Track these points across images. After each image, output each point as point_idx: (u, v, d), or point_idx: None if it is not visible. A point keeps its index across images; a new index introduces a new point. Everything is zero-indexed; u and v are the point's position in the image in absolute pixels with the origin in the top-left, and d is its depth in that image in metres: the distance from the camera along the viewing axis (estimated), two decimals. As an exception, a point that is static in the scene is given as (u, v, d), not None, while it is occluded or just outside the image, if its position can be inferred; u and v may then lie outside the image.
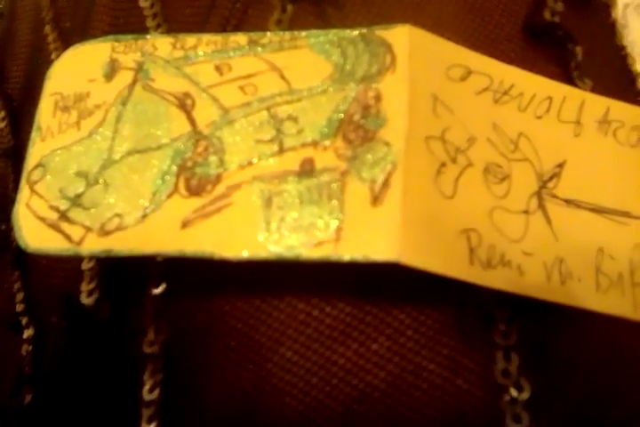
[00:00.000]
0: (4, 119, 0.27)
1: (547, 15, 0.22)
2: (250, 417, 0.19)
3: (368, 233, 0.17)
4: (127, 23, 0.24)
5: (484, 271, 0.18)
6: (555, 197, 0.20)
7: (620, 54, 0.25)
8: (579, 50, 0.22)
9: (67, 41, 0.26)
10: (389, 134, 0.18)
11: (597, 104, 0.21)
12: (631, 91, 0.25)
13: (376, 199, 0.17)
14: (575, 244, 0.19)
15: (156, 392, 0.20)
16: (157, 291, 0.20)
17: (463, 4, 0.22)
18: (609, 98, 0.21)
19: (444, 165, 0.18)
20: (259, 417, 0.19)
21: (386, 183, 0.18)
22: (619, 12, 0.26)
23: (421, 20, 0.20)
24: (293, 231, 0.18)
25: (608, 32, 0.25)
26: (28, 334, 0.23)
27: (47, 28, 0.27)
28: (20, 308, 0.23)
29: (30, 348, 0.23)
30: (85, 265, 0.21)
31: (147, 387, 0.20)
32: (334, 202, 0.18)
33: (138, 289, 0.20)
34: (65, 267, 0.22)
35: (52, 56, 0.26)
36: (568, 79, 0.22)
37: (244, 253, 0.18)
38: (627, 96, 0.22)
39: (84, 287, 0.20)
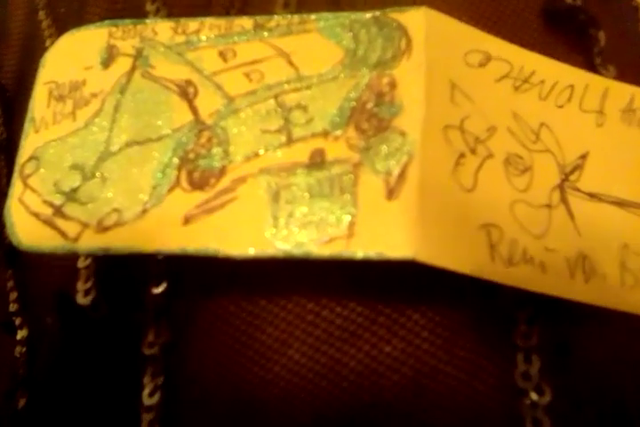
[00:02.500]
0: (-4, 110, 0.26)
1: (568, -2, 0.21)
2: (256, 421, 0.18)
3: (382, 229, 0.16)
4: (125, 8, 0.23)
5: (505, 269, 0.17)
6: (577, 190, 0.19)
7: None
8: (601, 35, 0.21)
9: (62, 27, 0.25)
10: (405, 123, 0.17)
11: (621, 92, 0.20)
12: None
13: (391, 193, 0.16)
14: (599, 239, 0.18)
15: (157, 396, 0.19)
16: (158, 290, 0.19)
17: (479, -13, 0.21)
18: (633, 85, 0.20)
19: (462, 155, 0.17)
20: (265, 421, 0.18)
21: (401, 175, 0.16)
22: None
23: (436, 3, 0.19)
24: (303, 227, 0.17)
25: (631, 17, 0.24)
26: (21, 334, 0.22)
27: (41, 14, 0.26)
28: (13, 307, 0.22)
29: (24, 349, 0.22)
30: (81, 263, 0.20)
31: (147, 391, 0.19)
32: (346, 196, 0.17)
33: (137, 288, 0.19)
34: (60, 264, 0.21)
35: (47, 43, 0.25)
36: (590, 66, 0.21)
37: (251, 251, 0.17)
38: None
39: (81, 287, 0.19)
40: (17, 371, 0.22)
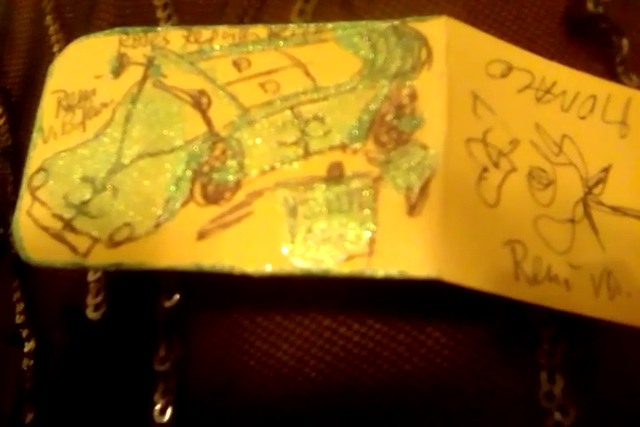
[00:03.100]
0: (1, 116, 0.26)
1: (590, 6, 0.20)
2: None
3: (404, 246, 0.16)
4: (135, 14, 0.22)
5: (529, 287, 0.16)
6: (601, 204, 0.18)
7: None
8: (625, 43, 0.20)
9: (69, 33, 0.25)
10: (426, 136, 0.17)
11: (644, 102, 0.20)
12: None
13: (413, 208, 0.16)
14: (624, 255, 0.18)
15: (168, 414, 0.18)
16: (170, 303, 0.19)
17: (499, -4, 0.20)
18: (656, 96, 0.20)
19: (486, 170, 0.17)
20: None
21: (423, 191, 0.16)
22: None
23: (455, 11, 0.19)
24: (321, 243, 0.16)
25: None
26: (29, 347, 0.22)
27: (48, 19, 0.25)
28: (20, 319, 0.22)
29: (32, 362, 0.21)
30: (91, 277, 0.19)
31: (157, 408, 0.18)
32: (366, 211, 0.16)
33: (148, 301, 0.19)
34: (69, 276, 0.21)
35: (54, 48, 0.25)
36: (612, 76, 0.20)
37: (268, 268, 0.16)
38: None
39: (91, 301, 0.19)
40: (24, 385, 0.21)
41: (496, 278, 0.16)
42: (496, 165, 0.17)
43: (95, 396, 0.20)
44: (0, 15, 0.28)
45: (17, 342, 0.22)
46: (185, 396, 0.18)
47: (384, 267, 0.15)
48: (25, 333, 0.22)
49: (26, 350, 0.22)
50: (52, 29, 0.25)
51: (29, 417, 0.21)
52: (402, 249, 0.16)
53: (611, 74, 0.20)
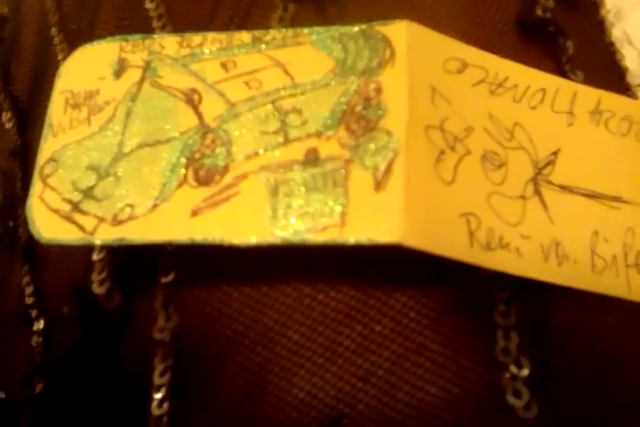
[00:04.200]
0: (10, 120, 0.28)
1: (539, 11, 0.23)
2: (258, 397, 0.20)
3: (372, 217, 0.18)
4: (133, 24, 0.25)
5: (483, 253, 0.19)
6: (550, 183, 0.21)
7: (609, 50, 0.26)
8: (569, 44, 0.23)
9: (73, 42, 0.27)
10: (390, 124, 0.19)
11: (589, 95, 0.22)
12: (620, 85, 0.26)
13: (379, 185, 0.18)
14: (571, 227, 0.20)
15: (167, 376, 0.20)
16: (167, 279, 0.21)
17: (458, 2, 0.23)
18: (599, 89, 0.22)
19: (443, 152, 0.19)
20: (267, 397, 0.20)
21: (388, 170, 0.18)
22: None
23: (417, 17, 0.21)
24: (300, 217, 0.18)
25: (597, 29, 0.26)
26: (37, 326, 0.23)
27: (53, 31, 0.28)
28: (29, 301, 0.24)
29: (40, 339, 0.23)
30: (96, 256, 0.21)
31: (157, 371, 0.20)
32: (339, 189, 0.18)
33: (148, 278, 0.21)
34: (74, 260, 0.23)
35: (59, 57, 0.27)
36: (560, 72, 0.23)
37: (253, 239, 0.18)
38: (616, 90, 0.23)
39: (95, 277, 0.21)
40: (33, 359, 0.23)
41: (453, 245, 0.18)
42: (452, 148, 0.19)
43: (99, 366, 0.22)
44: (9, 30, 0.30)
45: (27, 322, 0.24)
46: (181, 361, 0.20)
47: (354, 235, 0.18)
48: (34, 313, 0.24)
49: (35, 328, 0.23)
50: (56, 40, 0.27)
51: (39, 388, 0.23)
52: (370, 220, 0.18)
53: (559, 70, 0.23)
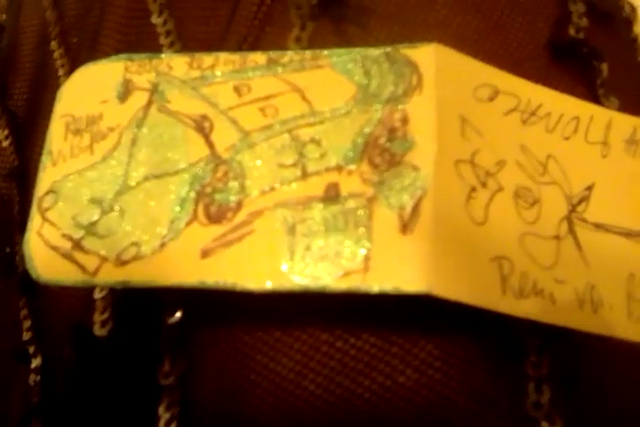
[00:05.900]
0: (7, 137, 0.27)
1: (571, 32, 0.21)
2: None
3: (397, 263, 0.16)
4: (139, 40, 0.23)
5: (516, 301, 0.17)
6: (584, 221, 0.19)
7: None
8: (604, 67, 0.21)
9: (74, 57, 0.26)
10: (417, 158, 0.17)
11: (625, 123, 0.21)
12: None
13: (405, 227, 0.17)
14: (606, 270, 0.19)
15: None
16: (173, 320, 0.19)
17: (487, 22, 0.21)
18: (636, 117, 0.21)
19: (474, 189, 0.18)
20: None
21: (415, 210, 0.17)
22: None
23: (444, 38, 0.20)
24: (319, 260, 0.17)
25: (629, 48, 0.25)
26: (35, 363, 0.22)
27: (53, 44, 0.26)
28: (27, 336, 0.22)
29: (38, 378, 0.22)
30: (98, 294, 0.20)
31: (162, 421, 0.19)
32: (361, 229, 0.17)
33: (153, 318, 0.19)
34: (75, 294, 0.21)
35: (59, 72, 0.26)
36: (594, 98, 0.21)
37: (268, 285, 0.17)
38: None
39: (97, 318, 0.20)
40: (31, 399, 0.22)
41: (484, 293, 0.17)
42: (484, 184, 0.18)
43: (101, 410, 0.20)
44: (6, 40, 0.29)
45: (24, 359, 0.22)
46: (189, 410, 0.19)
47: (378, 283, 0.16)
48: (32, 349, 0.22)
49: (32, 366, 0.22)
50: (56, 54, 0.26)
51: (36, 431, 0.21)
52: (395, 266, 0.16)
53: (592, 96, 0.21)
